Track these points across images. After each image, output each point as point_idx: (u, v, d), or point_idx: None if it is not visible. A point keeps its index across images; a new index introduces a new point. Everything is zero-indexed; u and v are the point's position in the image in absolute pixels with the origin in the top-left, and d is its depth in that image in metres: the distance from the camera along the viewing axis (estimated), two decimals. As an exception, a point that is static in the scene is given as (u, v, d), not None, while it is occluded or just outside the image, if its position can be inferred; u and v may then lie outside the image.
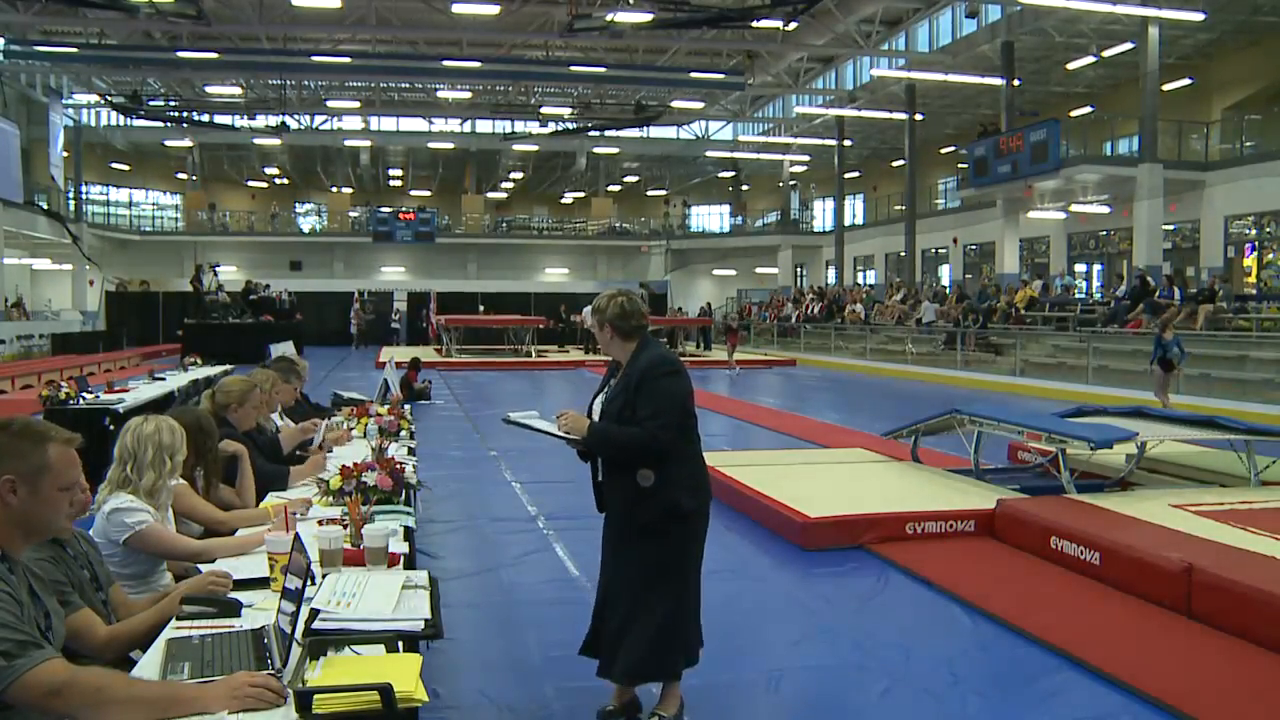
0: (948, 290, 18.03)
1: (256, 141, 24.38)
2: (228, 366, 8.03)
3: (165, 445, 2.05)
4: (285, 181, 30.01)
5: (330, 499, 2.51)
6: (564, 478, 5.75)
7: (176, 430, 2.11)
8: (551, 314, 21.78)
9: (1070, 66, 16.13)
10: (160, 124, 22.91)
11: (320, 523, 2.14)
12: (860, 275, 25.51)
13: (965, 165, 17.36)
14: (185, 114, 21.69)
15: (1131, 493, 4.31)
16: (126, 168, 27.00)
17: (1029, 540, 3.75)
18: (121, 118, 23.79)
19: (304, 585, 1.52)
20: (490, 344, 21.52)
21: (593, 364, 16.82)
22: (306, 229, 29.28)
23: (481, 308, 23.06)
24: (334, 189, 29.77)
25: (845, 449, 6.33)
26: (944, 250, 21.81)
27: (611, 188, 32.15)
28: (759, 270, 29.94)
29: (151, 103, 21.45)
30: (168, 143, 25.48)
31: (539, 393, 12.37)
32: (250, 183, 29.81)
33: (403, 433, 3.77)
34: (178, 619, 1.53)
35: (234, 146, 26.25)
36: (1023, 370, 12.33)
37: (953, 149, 22.96)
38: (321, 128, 26.09)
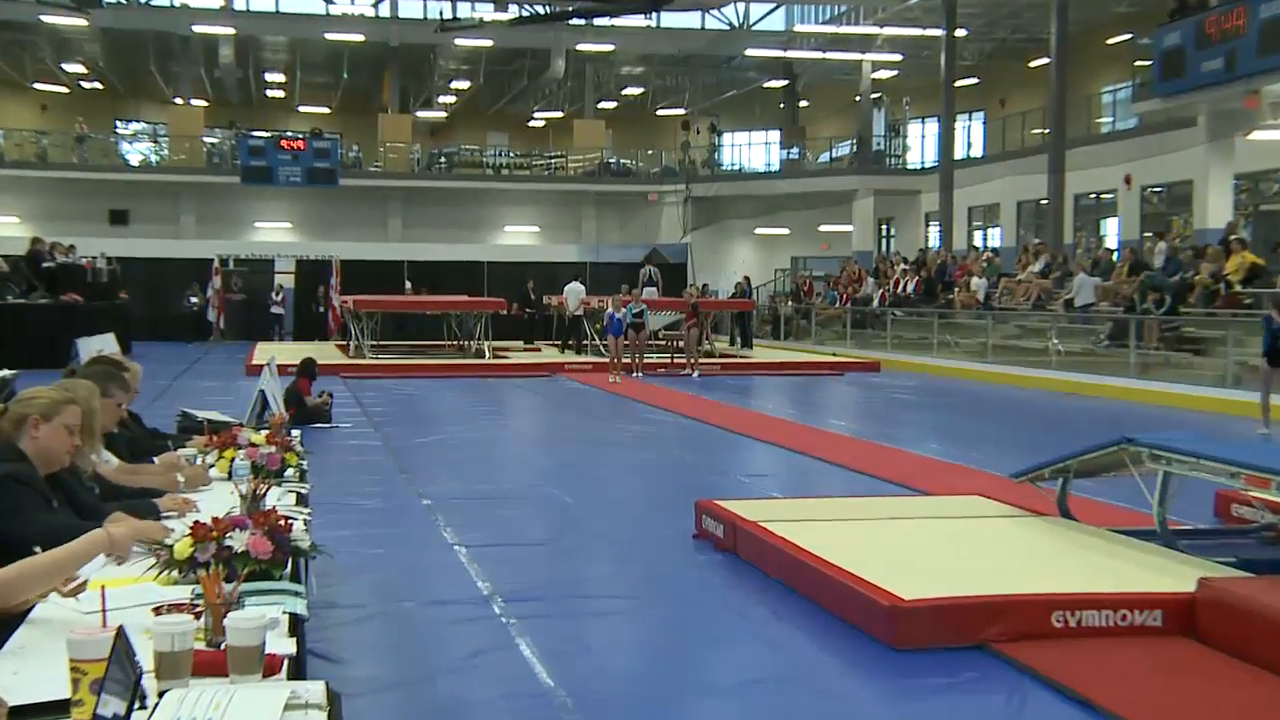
0: (1115, 256, 17.82)
1: (48, 21, 23.39)
2: (3, 374, 7.33)
3: None
4: (98, 86, 28.67)
5: (174, 573, 2.47)
6: (532, 538, 5.87)
7: None
8: (515, 294, 21.90)
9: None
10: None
11: (158, 610, 2.10)
12: (979, 235, 25.66)
13: (1147, 62, 16.74)
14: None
15: None
16: None
17: (1255, 645, 3.50)
18: None
19: (129, 711, 1.48)
20: (423, 338, 21.73)
21: (576, 368, 17.06)
22: (135, 161, 28.23)
23: (409, 284, 23.34)
24: (178, 100, 28.70)
25: (956, 497, 6.38)
26: (1109, 196, 21.45)
27: (604, 105, 32.13)
28: (824, 228, 29.98)
29: None
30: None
31: (496, 412, 12.65)
32: (40, 86, 28.25)
33: (289, 471, 3.74)
34: None
35: (10, 27, 24.92)
36: (1238, 380, 11.65)
37: (1126, 37, 22.25)
38: (157, 3, 25.55)
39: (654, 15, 26.02)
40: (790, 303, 24.57)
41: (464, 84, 31.05)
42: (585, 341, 19.33)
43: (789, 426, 10.85)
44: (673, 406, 12.18)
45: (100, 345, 6.03)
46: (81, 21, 22.44)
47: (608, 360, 16.16)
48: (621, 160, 31.44)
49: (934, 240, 25.68)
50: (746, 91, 31.40)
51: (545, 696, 3.45)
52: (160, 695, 1.67)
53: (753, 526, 5.18)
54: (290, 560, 2.52)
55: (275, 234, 28.78)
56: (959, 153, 25.60)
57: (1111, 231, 21.28)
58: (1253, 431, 9.67)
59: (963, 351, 18.05)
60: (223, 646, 1.88)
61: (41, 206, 26.53)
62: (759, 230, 30.74)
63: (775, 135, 31.77)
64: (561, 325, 19.76)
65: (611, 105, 32.72)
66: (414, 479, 7.50)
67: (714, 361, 17.95)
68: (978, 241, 24.69)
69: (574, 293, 19.33)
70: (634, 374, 16.18)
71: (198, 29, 25.94)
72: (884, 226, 28.99)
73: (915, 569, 4.40)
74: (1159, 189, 20.15)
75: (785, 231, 30.67)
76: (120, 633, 1.60)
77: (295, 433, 4.71)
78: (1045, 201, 20.78)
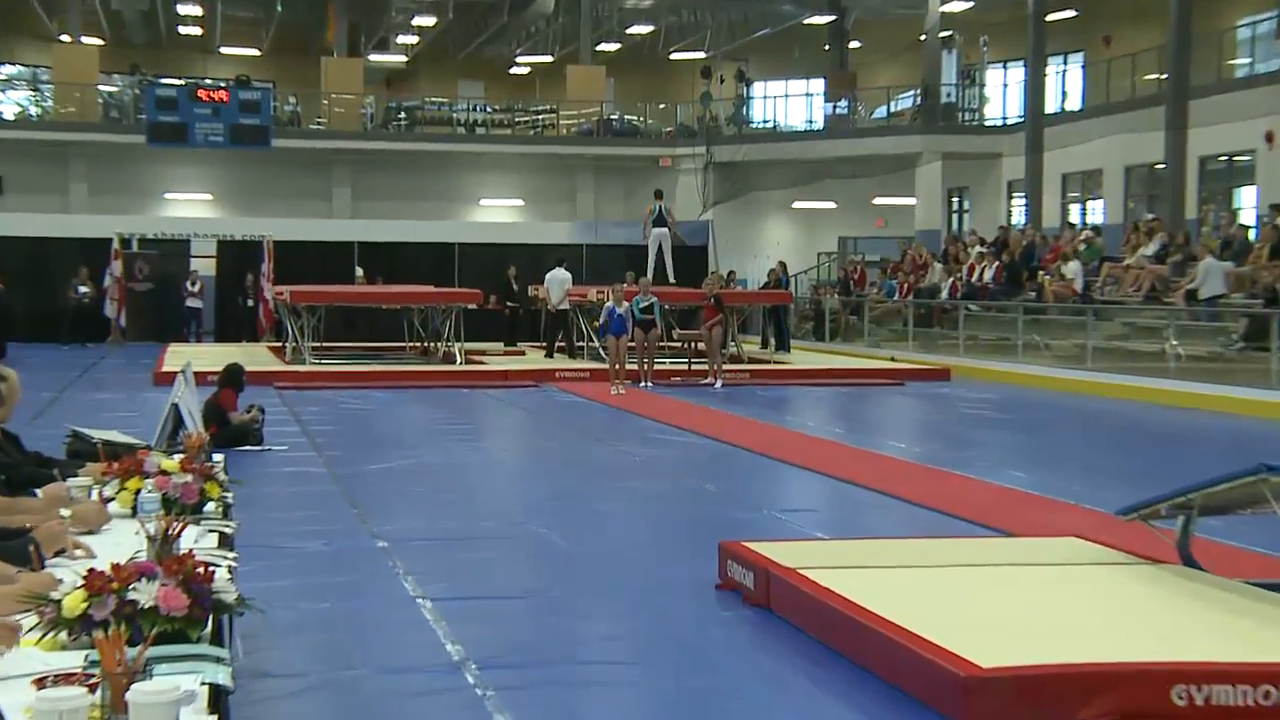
0: (1252, 235, 17.78)
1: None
2: None
3: None
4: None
5: (62, 635, 2.46)
6: (515, 588, 5.90)
7: None
8: (493, 283, 22.08)
9: None
10: None
11: (42, 682, 2.09)
12: (1076, 209, 25.69)
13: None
14: None
15: None
16: None
17: None
18: None
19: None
20: (378, 339, 22.04)
21: (570, 376, 17.16)
22: (10, 115, 28.40)
23: (361, 271, 23.51)
24: (64, 38, 29.02)
25: (1047, 539, 6.38)
26: (1245, 158, 21.38)
27: (604, 48, 32.45)
28: (880, 201, 30.21)
29: None
30: None
31: (470, 431, 12.82)
32: None
33: (210, 506, 3.77)
34: None
35: None
36: None
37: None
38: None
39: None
40: (837, 295, 24.60)
41: (428, 20, 30.96)
42: (579, 344, 19.38)
43: (836, 449, 10.86)
44: (690, 424, 12.20)
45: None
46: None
47: (607, 366, 16.18)
48: (626, 117, 31.64)
49: (1018, 216, 25.74)
50: (782, 30, 31.45)
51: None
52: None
53: (791, 575, 5.18)
54: (211, 618, 2.52)
55: (191, 208, 29.07)
56: (1050, 105, 25.55)
57: (1247, 203, 21.13)
58: None
59: (1054, 356, 18.05)
60: (125, 727, 1.87)
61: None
62: (798, 204, 30.84)
63: (818, 85, 31.81)
64: (551, 323, 19.84)
65: (613, 48, 32.85)
66: (367, 515, 7.51)
67: (741, 369, 17.98)
68: (1074, 217, 24.66)
69: (557, 282, 19.44)
70: (642, 384, 16.20)
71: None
72: (955, 199, 29.03)
73: (995, 629, 4.41)
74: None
75: (831, 205, 30.74)
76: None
77: (217, 457, 4.73)
78: (1161, 166, 20.77)
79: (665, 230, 20.18)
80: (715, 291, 17.32)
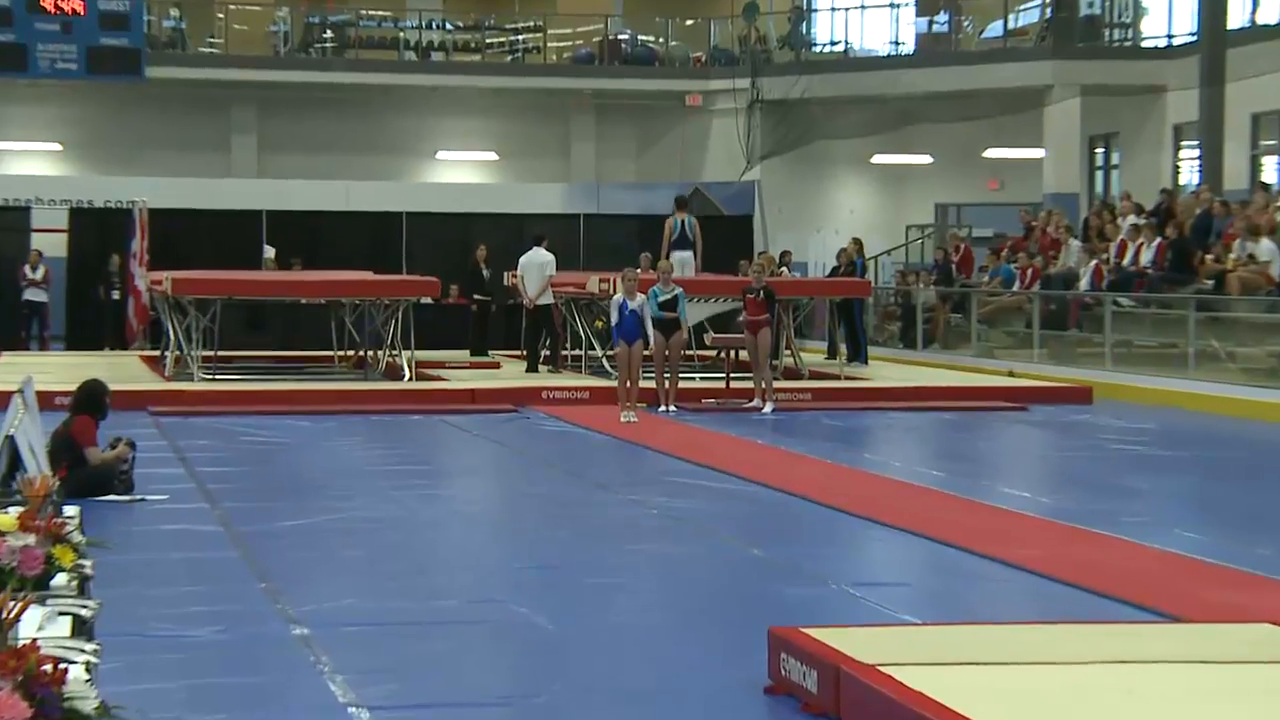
0: None
1: None
2: None
3: None
4: None
5: None
6: (487, 692, 5.88)
7: None
8: (455, 270, 22.33)
9: None
10: None
11: None
12: (1271, 164, 25.63)
13: None
14: None
15: None
16: None
17: None
18: None
19: None
20: (294, 347, 22.62)
21: (562, 397, 17.27)
22: None
23: (271, 252, 23.85)
24: None
25: (1233, 626, 6.40)
26: None
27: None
28: (993, 154, 30.44)
29: None
30: None
31: (424, 474, 12.82)
32: None
33: (60, 579, 3.79)
34: None
35: None
36: None
37: None
38: None
39: None
40: (934, 284, 24.58)
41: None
42: (573, 353, 19.39)
43: (932, 499, 10.84)
44: (729, 465, 12.20)
45: None
46: None
47: (616, 384, 16.18)
48: (640, 38, 31.74)
49: (1189, 174, 25.68)
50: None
51: None
52: None
53: (869, 674, 5.16)
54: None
55: (32, 163, 29.25)
56: (1236, 17, 25.41)
57: None
58: None
59: (1240, 370, 18.04)
60: None
61: None
62: (879, 159, 30.91)
63: (905, -6, 31.89)
64: (534, 325, 19.83)
65: (622, -60, 32.95)
66: (280, 590, 7.52)
67: (800, 387, 18.02)
68: (1269, 175, 24.55)
69: (534, 267, 19.50)
70: (662, 408, 16.21)
71: None
72: (1100, 150, 28.92)
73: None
74: None
75: (925, 160, 30.77)
76: None
77: (70, 511, 4.73)
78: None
79: (689, 255, 19.85)
80: (763, 281, 17.32)
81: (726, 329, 19.20)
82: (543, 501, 11.18)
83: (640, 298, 15.92)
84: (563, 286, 19.65)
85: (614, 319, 16.05)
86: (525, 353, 20.06)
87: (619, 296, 16.07)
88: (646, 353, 16.12)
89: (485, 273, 21.76)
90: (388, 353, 18.96)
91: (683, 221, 19.89)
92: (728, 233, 24.16)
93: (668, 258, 19.18)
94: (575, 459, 13.27)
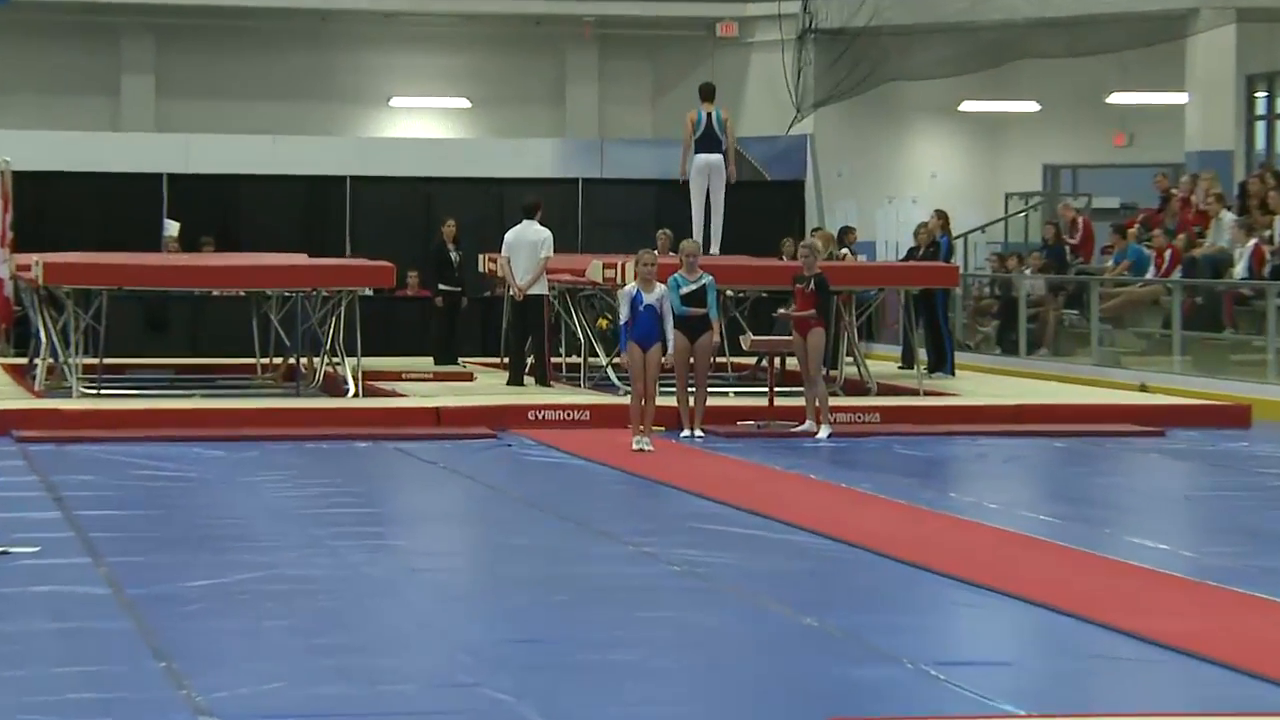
0: None
1: None
2: None
3: None
4: None
5: None
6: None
7: None
8: (415, 252, 22.60)
9: None
10: None
11: None
12: None
13: None
14: None
15: None
16: None
17: None
18: None
19: None
20: (205, 353, 22.64)
21: (553, 419, 17.31)
22: None
23: (174, 229, 24.07)
24: None
25: None
26: None
27: None
28: (1120, 99, 30.77)
29: None
30: None
31: (373, 519, 12.74)
32: None
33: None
34: None
35: None
36: None
37: None
38: None
39: None
40: (1042, 271, 24.53)
41: None
42: (567, 360, 19.39)
43: (1039, 553, 10.84)
44: (773, 508, 12.23)
45: None
46: None
47: (627, 401, 16.17)
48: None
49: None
50: None
51: None
52: None
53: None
54: None
55: None
56: None
57: None
58: None
59: None
60: None
61: None
62: (969, 106, 31.13)
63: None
64: (519, 323, 19.80)
65: None
66: (185, 671, 7.50)
67: (866, 405, 18.17)
68: None
69: (524, 246, 19.56)
70: (687, 432, 16.26)
71: None
72: (1261, 94, 28.81)
73: None
74: None
75: (1030, 108, 30.78)
76: None
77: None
78: None
79: (718, 158, 19.74)
80: (816, 268, 17.30)
81: (769, 329, 19.23)
82: (529, 555, 11.17)
83: (659, 288, 15.92)
84: (557, 274, 19.67)
85: (624, 316, 16.03)
86: (508, 360, 20.07)
87: (630, 287, 16.06)
88: (665, 360, 16.12)
89: (454, 255, 21.78)
90: (326, 360, 18.97)
91: (709, 115, 19.81)
92: (771, 203, 24.23)
93: (687, 164, 19.27)
94: (572, 499, 13.26)
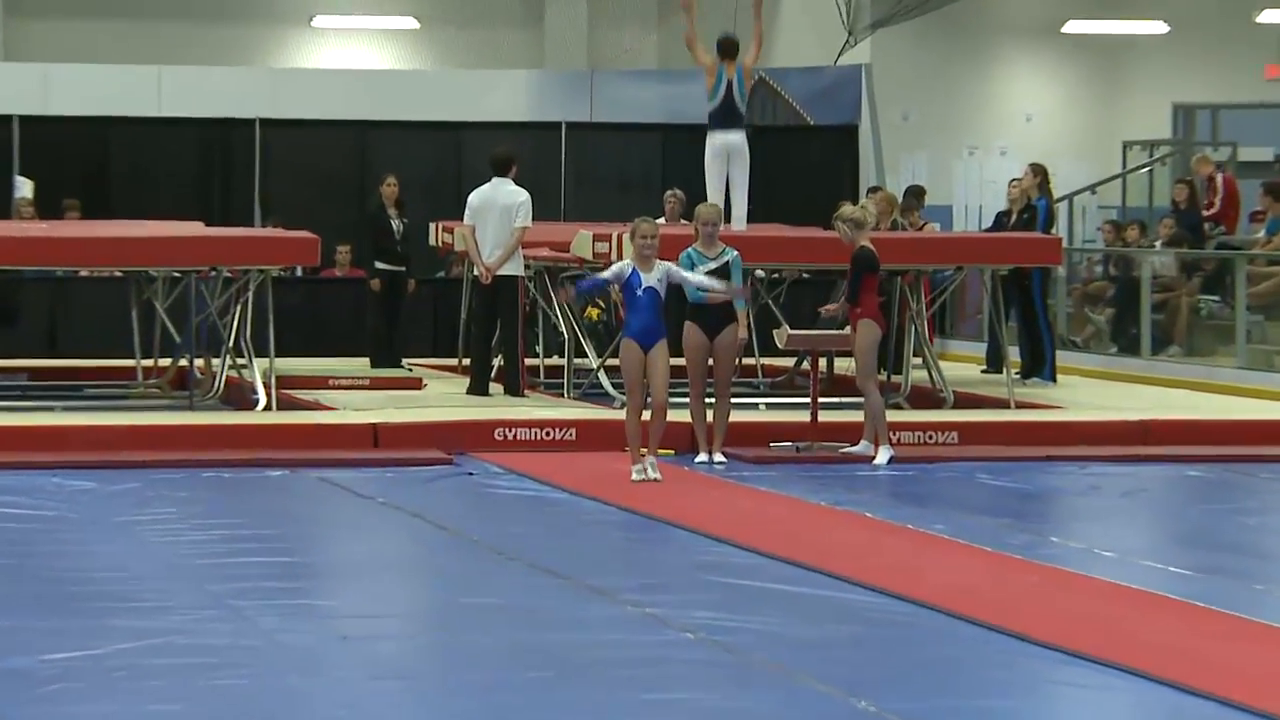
0: None
1: None
2: None
3: None
4: None
5: None
6: None
7: None
8: (344, 219, 22.91)
9: None
10: None
11: None
12: None
13: None
14: None
15: None
16: None
17: None
18: None
19: None
20: (66, 352, 22.82)
21: (526, 439, 17.30)
22: None
23: (26, 187, 24.30)
24: None
25: None
26: None
27: None
28: (1266, 18, 31.07)
29: None
30: None
31: (304, 575, 12.73)
32: None
33: None
34: None
35: None
36: None
37: None
38: None
39: None
40: (1170, 243, 24.54)
41: None
42: (544, 362, 19.42)
43: (1173, 616, 10.83)
44: (818, 556, 12.23)
45: None
46: None
47: (623, 415, 16.16)
48: None
49: None
50: None
51: None
52: None
53: None
54: None
55: None
56: None
57: None
58: None
59: None
60: None
61: None
62: (1074, 27, 31.32)
63: None
64: (484, 312, 19.83)
65: None
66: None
67: (940, 420, 18.33)
68: None
69: (495, 211, 19.62)
70: (703, 456, 16.33)
71: None
72: None
73: None
74: None
75: (1155, 30, 30.76)
76: None
77: None
78: None
79: (740, 137, 19.66)
80: (857, 241, 17.24)
81: (810, 321, 19.24)
82: (496, 619, 11.16)
83: (663, 267, 15.88)
84: (534, 249, 19.69)
85: (605, 277, 16.08)
86: (468, 362, 20.09)
87: (625, 264, 16.02)
88: (677, 361, 16.14)
89: (397, 223, 21.83)
90: (229, 362, 18.97)
91: (730, 83, 19.79)
92: (816, 155, 24.20)
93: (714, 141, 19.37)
94: (553, 545, 13.26)
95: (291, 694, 9.19)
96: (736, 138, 19.65)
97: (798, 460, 16.72)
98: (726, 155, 19.25)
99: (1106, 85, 31.14)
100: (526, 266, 19.53)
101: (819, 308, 18.71)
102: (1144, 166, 30.07)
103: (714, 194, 19.63)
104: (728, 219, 18.53)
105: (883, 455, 16.52)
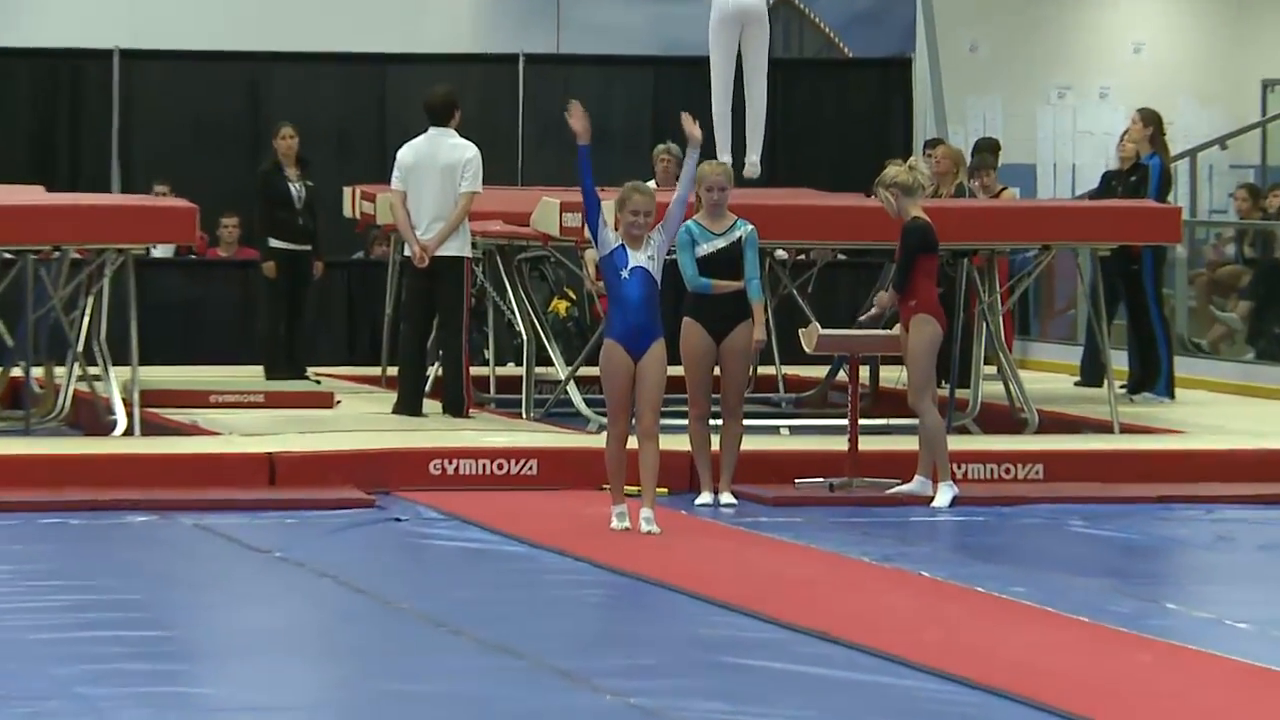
0: None
1: None
2: None
3: None
4: None
5: None
6: None
7: None
8: (225, 182, 23.44)
9: None
10: None
11: None
12: None
13: None
14: None
15: None
16: None
17: None
18: None
19: None
20: None
21: (471, 467, 17.35)
22: None
23: None
24: None
25: None
26: None
27: None
28: None
29: None
30: None
31: (174, 658, 12.47)
32: None
33: None
34: None
35: None
36: None
37: None
38: None
39: None
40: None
41: None
42: (481, 370, 19.51)
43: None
44: (855, 629, 12.23)
45: None
46: None
47: (603, 444, 16.17)
48: None
49: None
50: None
51: None
52: None
53: None
54: None
55: None
56: None
57: None
58: None
59: None
60: None
61: None
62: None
63: None
64: (422, 304, 19.86)
65: None
66: None
67: (1021, 449, 18.38)
68: None
69: (426, 173, 19.77)
70: (707, 496, 16.57)
71: None
72: None
73: None
74: None
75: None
76: None
77: None
78: None
79: (759, 5, 19.46)
80: (913, 214, 17.20)
81: (846, 318, 19.28)
82: (437, 711, 11.16)
83: (655, 241, 15.79)
84: (484, 220, 19.70)
85: (605, 288, 16.09)
86: (396, 370, 20.14)
87: (608, 234, 15.89)
88: (674, 370, 16.15)
89: (297, 188, 21.90)
90: (79, 372, 19.00)
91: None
92: (855, 98, 24.30)
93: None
94: (508, 614, 13.26)
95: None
96: (753, 6, 19.40)
97: (832, 502, 16.74)
98: (740, 24, 19.08)
99: (1238, 13, 31.21)
100: (474, 245, 19.54)
101: (859, 314, 18.70)
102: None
103: (719, 90, 19.62)
104: (739, 167, 18.62)
105: (944, 495, 16.53)
